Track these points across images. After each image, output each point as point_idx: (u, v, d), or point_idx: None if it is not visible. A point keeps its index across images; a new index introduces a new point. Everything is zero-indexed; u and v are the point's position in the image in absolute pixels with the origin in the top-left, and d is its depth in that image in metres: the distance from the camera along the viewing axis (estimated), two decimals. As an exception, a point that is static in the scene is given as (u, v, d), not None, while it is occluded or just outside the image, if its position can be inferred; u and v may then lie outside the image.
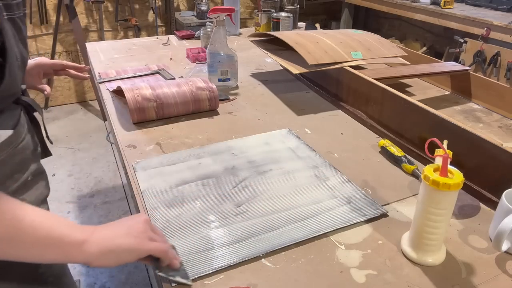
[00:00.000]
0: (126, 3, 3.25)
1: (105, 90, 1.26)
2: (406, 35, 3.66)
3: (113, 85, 1.26)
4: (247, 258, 0.64)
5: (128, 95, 1.02)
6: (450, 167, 0.59)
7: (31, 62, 0.92)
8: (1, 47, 0.55)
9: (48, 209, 0.75)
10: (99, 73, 1.40)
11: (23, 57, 0.65)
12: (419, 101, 0.94)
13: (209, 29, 1.59)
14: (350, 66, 1.15)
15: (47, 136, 0.85)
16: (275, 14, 1.81)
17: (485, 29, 2.32)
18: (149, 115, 1.05)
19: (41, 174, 0.73)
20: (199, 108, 1.11)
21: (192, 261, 0.63)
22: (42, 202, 0.72)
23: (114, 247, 0.54)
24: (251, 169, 0.87)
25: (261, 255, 0.65)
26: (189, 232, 0.69)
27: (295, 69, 1.13)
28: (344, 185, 0.82)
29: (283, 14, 1.80)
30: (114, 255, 0.54)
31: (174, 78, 1.33)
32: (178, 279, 0.59)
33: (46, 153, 0.85)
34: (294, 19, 1.88)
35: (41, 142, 0.82)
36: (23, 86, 0.72)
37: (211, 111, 1.13)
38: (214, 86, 1.11)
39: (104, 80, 1.33)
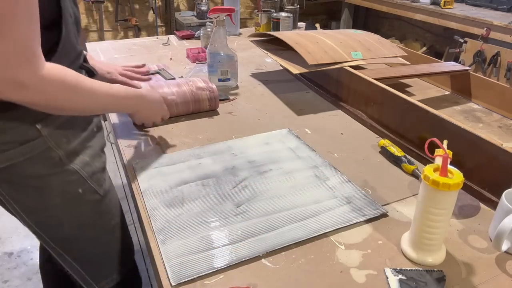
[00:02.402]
0: (126, 3, 3.26)
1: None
2: (406, 35, 3.67)
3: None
4: (247, 258, 0.64)
5: None
6: (450, 167, 0.59)
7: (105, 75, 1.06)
8: (57, 4, 0.67)
9: (105, 158, 0.89)
10: (99, 73, 1.40)
11: (76, 16, 0.76)
12: (419, 101, 0.94)
13: (209, 29, 1.59)
14: (350, 66, 1.15)
15: None
16: (275, 14, 1.81)
17: (485, 29, 2.32)
18: None
19: (101, 128, 0.89)
20: (199, 108, 1.10)
21: (192, 261, 0.63)
22: (102, 150, 0.87)
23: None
24: (251, 169, 0.87)
25: (261, 255, 0.65)
26: (189, 232, 0.69)
27: (295, 69, 1.13)
28: (344, 185, 0.82)
29: (283, 14, 1.80)
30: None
31: (174, 78, 1.33)
32: None
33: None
34: (294, 19, 1.88)
35: None
36: (84, 52, 0.83)
37: (211, 111, 1.13)
38: (214, 86, 1.11)
39: (104, 80, 1.33)
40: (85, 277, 0.88)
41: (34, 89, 0.62)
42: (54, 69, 0.65)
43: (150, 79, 1.10)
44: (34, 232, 0.80)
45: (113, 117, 1.09)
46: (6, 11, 0.56)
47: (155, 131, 1.02)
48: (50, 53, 0.67)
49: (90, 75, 0.84)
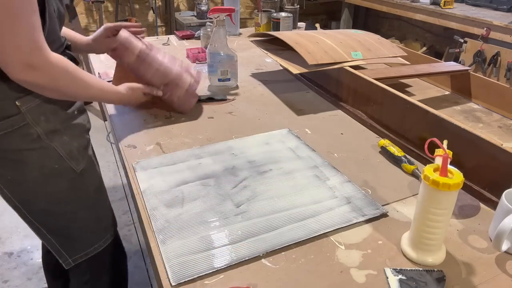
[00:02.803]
0: (126, 3, 3.26)
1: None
2: (406, 35, 3.67)
3: None
4: (247, 258, 0.64)
5: (122, 32, 1.02)
6: (450, 167, 0.59)
7: (100, 29, 1.10)
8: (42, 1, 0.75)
9: (89, 139, 0.97)
10: (99, 73, 1.40)
11: (60, 11, 0.84)
12: (419, 101, 0.94)
13: (209, 29, 1.59)
14: (350, 66, 1.15)
15: None
16: (275, 14, 1.81)
17: (485, 29, 2.32)
18: (129, 56, 1.02)
19: (83, 111, 0.97)
20: (172, 93, 1.06)
21: (192, 261, 0.63)
22: (83, 131, 0.94)
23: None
24: (251, 169, 0.87)
25: (261, 255, 0.65)
26: (189, 232, 0.69)
27: (295, 69, 1.13)
28: (344, 185, 0.82)
29: (283, 14, 1.80)
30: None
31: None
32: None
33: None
34: (294, 19, 1.88)
35: None
36: (63, 38, 0.90)
37: (208, 113, 1.13)
38: (198, 80, 1.10)
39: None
40: (59, 249, 0.94)
41: (43, 71, 0.73)
42: (59, 58, 0.76)
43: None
44: (13, 206, 0.87)
45: (113, 117, 1.09)
46: (15, 8, 0.66)
47: (155, 131, 1.02)
48: None
49: (72, 61, 0.92)
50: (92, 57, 1.57)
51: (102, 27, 1.10)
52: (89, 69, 1.75)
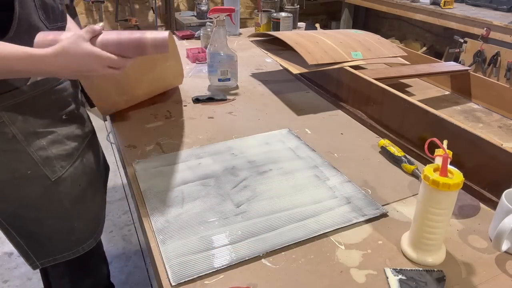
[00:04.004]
0: (126, 3, 3.26)
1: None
2: (406, 35, 3.67)
3: None
4: (247, 258, 0.64)
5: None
6: (450, 167, 0.59)
7: None
8: None
9: (76, 147, 0.89)
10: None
11: (44, 2, 0.77)
12: (419, 101, 0.94)
13: (209, 29, 1.59)
14: (350, 66, 1.15)
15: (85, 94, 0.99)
16: (275, 14, 1.81)
17: (485, 29, 2.32)
18: None
19: (76, 118, 0.90)
20: (141, 50, 0.76)
21: (192, 261, 0.63)
22: (68, 138, 0.87)
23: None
24: (251, 169, 0.87)
25: (261, 255, 0.65)
26: (189, 232, 0.69)
27: (295, 69, 1.13)
28: (344, 185, 0.82)
29: (283, 14, 1.80)
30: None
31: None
32: None
33: (91, 103, 1.00)
34: (294, 19, 1.88)
35: (84, 92, 0.96)
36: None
37: (212, 109, 1.13)
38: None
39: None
40: (27, 251, 0.91)
41: None
42: None
43: None
44: None
45: (113, 117, 1.09)
46: None
47: (155, 131, 1.02)
48: (4, 30, 0.70)
49: None
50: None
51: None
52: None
